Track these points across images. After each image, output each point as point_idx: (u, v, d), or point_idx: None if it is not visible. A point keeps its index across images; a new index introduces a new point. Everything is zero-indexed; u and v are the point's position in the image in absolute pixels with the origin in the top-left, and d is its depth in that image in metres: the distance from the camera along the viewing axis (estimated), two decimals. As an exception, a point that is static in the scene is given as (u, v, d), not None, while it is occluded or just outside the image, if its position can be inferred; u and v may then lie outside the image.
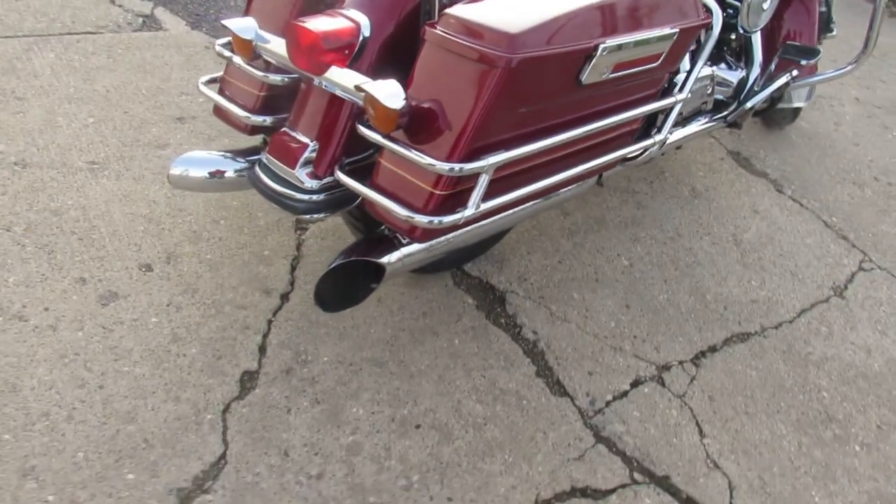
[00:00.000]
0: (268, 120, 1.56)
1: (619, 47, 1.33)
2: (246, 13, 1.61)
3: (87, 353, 1.52)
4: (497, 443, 1.56)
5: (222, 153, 1.65)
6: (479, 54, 1.20)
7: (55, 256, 1.70)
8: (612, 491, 1.52)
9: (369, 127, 1.32)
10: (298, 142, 1.44)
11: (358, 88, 1.24)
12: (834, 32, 2.64)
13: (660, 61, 1.47)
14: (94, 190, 1.89)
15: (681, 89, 1.67)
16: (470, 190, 1.28)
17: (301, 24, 1.32)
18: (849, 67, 2.34)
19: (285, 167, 1.44)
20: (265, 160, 1.51)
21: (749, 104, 2.17)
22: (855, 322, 2.08)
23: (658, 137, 1.67)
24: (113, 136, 2.08)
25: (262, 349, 1.63)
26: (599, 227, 2.23)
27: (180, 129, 2.18)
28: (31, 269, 1.66)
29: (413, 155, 1.25)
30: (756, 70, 2.24)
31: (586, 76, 1.32)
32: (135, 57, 2.43)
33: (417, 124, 1.27)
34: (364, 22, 1.39)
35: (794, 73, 2.26)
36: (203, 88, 1.66)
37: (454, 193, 1.27)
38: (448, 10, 1.28)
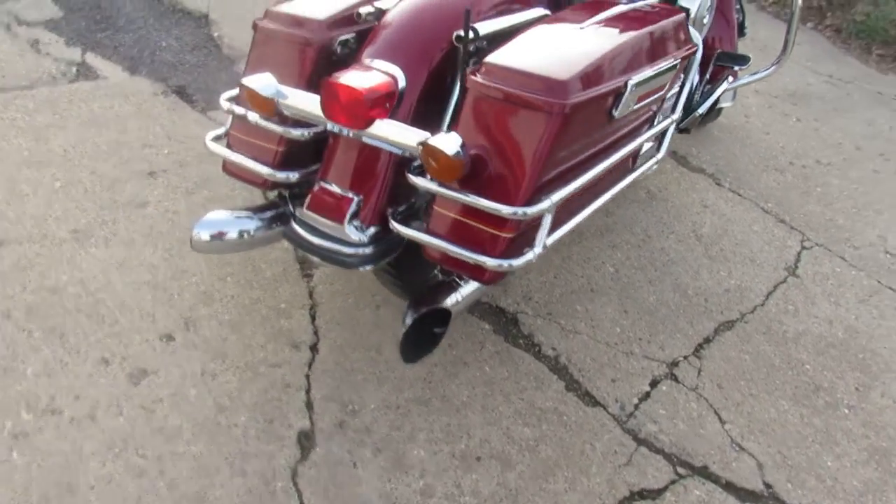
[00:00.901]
0: (293, 176, 1.55)
1: (642, 82, 1.44)
2: (248, 69, 1.59)
3: (136, 439, 1.45)
4: (553, 461, 1.63)
5: (238, 212, 1.62)
6: (531, 102, 1.26)
7: (67, 339, 1.59)
8: (665, 489, 1.63)
9: (421, 175, 1.35)
10: (341, 196, 1.45)
11: (421, 144, 1.27)
12: (746, 35, 2.91)
13: (665, 89, 1.60)
14: (85, 261, 1.78)
15: (673, 109, 1.82)
16: (534, 229, 1.34)
17: (339, 81, 1.33)
18: (773, 68, 2.60)
19: (333, 223, 1.43)
20: (301, 216, 1.50)
21: (700, 111, 2.37)
22: (813, 297, 2.33)
23: (660, 155, 1.81)
24: (87, 200, 1.96)
25: (309, 405, 1.61)
26: (580, 238, 2.36)
27: (155, 184, 2.08)
28: (46, 356, 1.55)
29: (476, 200, 1.29)
30: (697, 78, 2.44)
31: (618, 111, 1.41)
32: (82, 111, 2.29)
33: (472, 171, 1.31)
34: (398, 74, 1.41)
35: (730, 78, 2.49)
36: (211, 146, 1.61)
37: (520, 235, 1.33)
38: (488, 59, 1.34)
